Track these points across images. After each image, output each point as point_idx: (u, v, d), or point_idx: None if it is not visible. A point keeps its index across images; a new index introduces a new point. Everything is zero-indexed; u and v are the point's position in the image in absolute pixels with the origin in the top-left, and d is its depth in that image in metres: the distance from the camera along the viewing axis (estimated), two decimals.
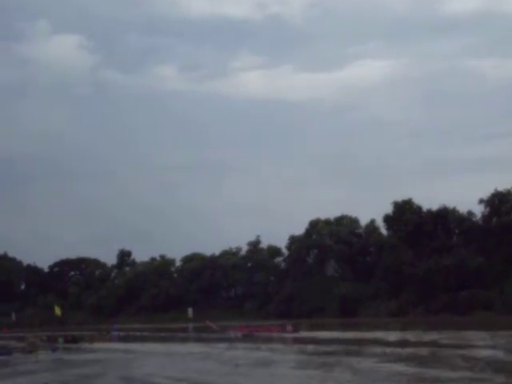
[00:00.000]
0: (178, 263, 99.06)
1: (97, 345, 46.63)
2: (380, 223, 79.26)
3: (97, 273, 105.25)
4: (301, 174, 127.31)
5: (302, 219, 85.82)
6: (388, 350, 32.34)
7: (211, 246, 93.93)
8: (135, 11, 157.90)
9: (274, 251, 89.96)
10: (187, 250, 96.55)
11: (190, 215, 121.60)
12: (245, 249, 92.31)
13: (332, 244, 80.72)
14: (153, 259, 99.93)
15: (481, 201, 70.12)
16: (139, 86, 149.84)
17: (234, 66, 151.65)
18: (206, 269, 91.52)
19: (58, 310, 61.34)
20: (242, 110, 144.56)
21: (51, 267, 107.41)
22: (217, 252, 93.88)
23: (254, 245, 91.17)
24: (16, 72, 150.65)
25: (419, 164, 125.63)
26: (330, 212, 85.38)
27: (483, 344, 33.44)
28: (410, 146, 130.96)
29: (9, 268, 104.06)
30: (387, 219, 75.92)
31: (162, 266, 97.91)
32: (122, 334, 61.46)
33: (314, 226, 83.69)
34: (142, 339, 53.41)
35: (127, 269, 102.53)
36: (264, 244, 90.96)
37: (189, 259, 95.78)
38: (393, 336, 41.79)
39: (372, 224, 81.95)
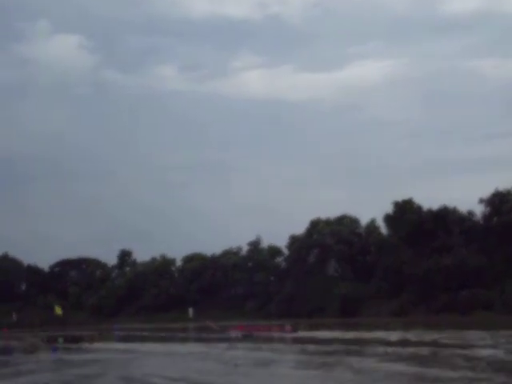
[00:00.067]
0: (178, 263, 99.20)
1: (97, 345, 46.61)
2: (380, 223, 79.47)
3: (97, 273, 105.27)
4: (301, 174, 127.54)
5: (303, 219, 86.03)
6: (388, 349, 32.31)
7: (212, 246, 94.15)
8: (135, 11, 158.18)
9: (274, 251, 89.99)
10: (188, 250, 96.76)
11: (191, 215, 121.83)
12: (245, 248, 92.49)
13: (332, 244, 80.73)
14: (153, 259, 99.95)
15: (481, 200, 70.15)
16: (139, 86, 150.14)
17: (234, 66, 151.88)
18: (207, 269, 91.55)
19: (58, 310, 61.31)
20: (242, 110, 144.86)
21: (52, 267, 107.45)
22: (217, 252, 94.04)
23: (255, 245, 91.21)
24: (16, 72, 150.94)
25: (419, 164, 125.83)
26: (331, 212, 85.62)
27: (484, 344, 33.41)
28: (410, 145, 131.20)
29: (9, 268, 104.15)
30: (387, 219, 75.98)
31: (162, 266, 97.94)
32: (122, 333, 61.46)
33: (315, 225, 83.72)
34: (143, 339, 53.38)
35: (128, 269, 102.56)
36: (264, 244, 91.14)
37: (189, 259, 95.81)
38: (393, 336, 41.75)
39: (372, 224, 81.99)
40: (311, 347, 36.80)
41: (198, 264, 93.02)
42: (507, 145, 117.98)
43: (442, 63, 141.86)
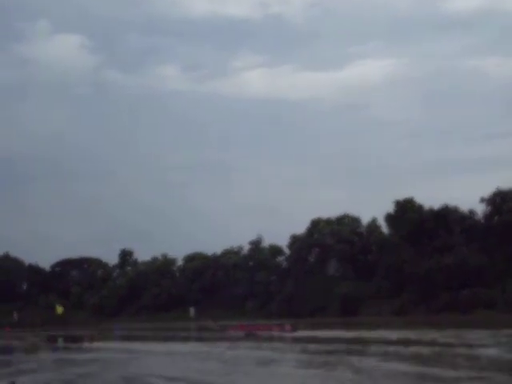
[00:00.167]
0: (179, 262, 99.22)
1: (98, 344, 46.60)
2: (381, 222, 79.45)
3: (99, 272, 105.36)
4: (301, 174, 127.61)
5: (303, 218, 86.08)
6: (389, 348, 32.30)
7: (213, 246, 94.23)
8: (135, 11, 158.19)
9: (275, 250, 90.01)
10: (188, 250, 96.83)
11: (191, 215, 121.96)
12: (246, 248, 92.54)
13: (333, 243, 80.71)
14: (154, 259, 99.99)
15: (482, 199, 70.07)
16: (139, 86, 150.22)
17: (234, 66, 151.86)
18: (208, 268, 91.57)
19: (59, 310, 61.28)
20: (243, 110, 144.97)
21: (53, 267, 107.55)
22: (218, 251, 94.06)
23: (256, 244, 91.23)
24: (16, 72, 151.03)
25: (419, 164, 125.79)
26: (331, 211, 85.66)
27: (485, 343, 33.37)
28: (410, 145, 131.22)
29: (10, 268, 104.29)
30: (388, 218, 75.95)
31: (163, 266, 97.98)
32: (123, 333, 61.47)
33: (316, 225, 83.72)
34: (144, 339, 53.40)
35: (129, 268, 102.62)
36: (265, 243, 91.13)
37: (190, 258, 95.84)
38: (394, 335, 41.74)
39: (373, 223, 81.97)
40: (311, 346, 36.78)
41: (199, 263, 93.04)
42: (507, 144, 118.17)
43: (442, 63, 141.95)
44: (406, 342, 35.33)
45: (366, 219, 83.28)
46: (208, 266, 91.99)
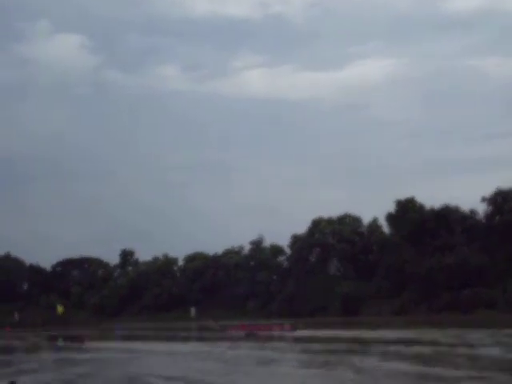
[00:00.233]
0: (180, 262, 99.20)
1: (99, 344, 46.59)
2: (382, 222, 79.45)
3: (99, 272, 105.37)
4: (302, 174, 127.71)
5: (304, 218, 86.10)
6: (390, 348, 32.28)
7: (213, 246, 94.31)
8: (136, 11, 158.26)
9: (276, 250, 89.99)
10: (189, 250, 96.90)
11: (192, 215, 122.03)
12: (247, 248, 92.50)
13: (334, 243, 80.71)
14: (155, 259, 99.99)
15: (483, 199, 70.03)
16: (139, 86, 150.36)
17: (234, 66, 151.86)
18: (209, 268, 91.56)
19: (60, 309, 61.25)
20: (243, 110, 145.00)
21: (54, 267, 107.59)
22: (219, 251, 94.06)
23: (257, 244, 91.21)
24: (16, 72, 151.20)
25: (420, 164, 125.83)
26: (332, 211, 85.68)
27: (486, 342, 33.35)
28: (410, 145, 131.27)
29: (11, 268, 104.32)
30: (390, 218, 75.96)
31: (164, 266, 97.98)
32: (124, 333, 61.48)
33: (317, 224, 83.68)
34: (145, 338, 53.39)
35: (130, 268, 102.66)
36: (266, 243, 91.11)
37: (191, 258, 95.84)
38: (395, 335, 41.71)
39: (374, 223, 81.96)
40: (312, 346, 36.78)
41: (200, 263, 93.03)
42: (508, 144, 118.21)
43: (442, 63, 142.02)
44: (406, 342, 35.29)
45: (366, 219, 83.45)
46: (209, 265, 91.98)
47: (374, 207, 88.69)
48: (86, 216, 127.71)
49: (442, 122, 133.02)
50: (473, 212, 72.67)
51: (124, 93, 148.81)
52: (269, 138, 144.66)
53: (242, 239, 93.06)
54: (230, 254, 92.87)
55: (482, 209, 71.37)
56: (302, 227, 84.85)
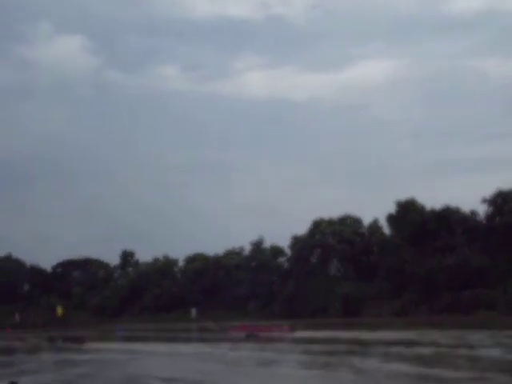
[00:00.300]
0: (180, 263, 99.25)
1: (99, 345, 46.60)
2: (383, 223, 79.45)
3: (100, 273, 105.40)
4: (302, 174, 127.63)
5: (305, 219, 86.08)
6: (391, 349, 32.28)
7: (213, 246, 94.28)
8: (136, 12, 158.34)
9: (277, 251, 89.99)
10: (189, 250, 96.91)
11: (192, 215, 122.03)
12: (248, 249, 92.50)
13: (335, 244, 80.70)
14: (156, 259, 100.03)
15: (484, 200, 70.03)
16: (140, 87, 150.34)
17: (235, 67, 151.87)
18: (209, 269, 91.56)
19: (60, 310, 61.35)
20: (243, 110, 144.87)
21: (54, 268, 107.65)
22: (219, 252, 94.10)
23: (257, 245, 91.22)
24: (17, 73, 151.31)
25: (420, 164, 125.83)
26: (333, 212, 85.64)
27: (486, 343, 33.35)
28: (411, 145, 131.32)
29: (12, 269, 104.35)
30: (390, 219, 75.96)
31: (165, 267, 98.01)
32: (125, 334, 61.49)
33: (318, 225, 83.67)
34: (145, 339, 53.41)
35: (130, 269, 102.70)
36: (267, 244, 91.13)
37: (192, 259, 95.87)
38: (396, 336, 41.71)
39: (375, 224, 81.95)
40: (312, 347, 36.77)
41: (200, 264, 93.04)
42: (508, 145, 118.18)
43: (443, 63, 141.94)
44: (407, 343, 35.30)
45: (367, 219, 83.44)
46: (209, 266, 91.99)
47: (374, 207, 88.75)
48: (86, 216, 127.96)
49: (442, 123, 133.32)
50: (473, 213, 72.68)
51: (124, 93, 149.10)
52: (269, 139, 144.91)
53: (242, 239, 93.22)
54: (231, 254, 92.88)
55: (482, 210, 71.50)
56: (302, 227, 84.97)
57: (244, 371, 25.64)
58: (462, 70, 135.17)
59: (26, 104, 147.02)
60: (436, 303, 65.94)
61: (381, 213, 78.03)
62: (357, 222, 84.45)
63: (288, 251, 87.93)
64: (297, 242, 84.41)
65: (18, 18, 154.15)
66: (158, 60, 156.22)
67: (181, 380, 23.95)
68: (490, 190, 69.88)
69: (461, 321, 54.07)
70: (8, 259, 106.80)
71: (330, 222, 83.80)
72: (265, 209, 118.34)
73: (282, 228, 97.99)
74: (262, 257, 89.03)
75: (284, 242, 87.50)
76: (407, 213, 73.44)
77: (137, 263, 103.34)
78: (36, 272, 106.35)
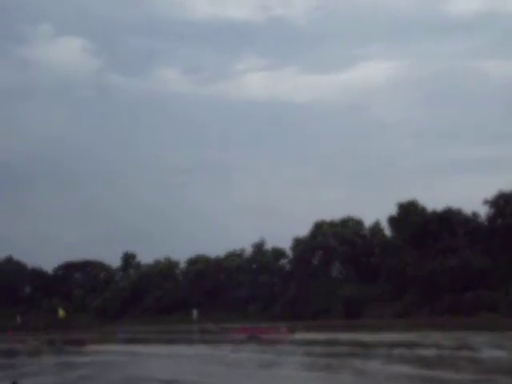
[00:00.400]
0: (182, 265, 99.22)
1: (100, 347, 46.59)
2: (385, 224, 79.35)
3: (101, 275, 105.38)
4: (303, 175, 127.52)
5: (305, 219, 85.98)
6: (392, 351, 32.21)
7: (214, 247, 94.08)
8: (137, 14, 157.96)
9: (278, 253, 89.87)
10: (190, 251, 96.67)
11: (193, 216, 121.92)
12: (249, 250, 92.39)
13: (336, 245, 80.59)
14: (157, 261, 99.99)
15: (485, 202, 69.89)
16: (141, 89, 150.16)
17: (236, 68, 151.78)
18: (211, 271, 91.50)
19: (61, 313, 61.21)
20: (245, 111, 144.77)
21: (56, 270, 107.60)
22: (221, 253, 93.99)
23: (259, 247, 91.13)
24: (18, 75, 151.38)
25: (421, 164, 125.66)
26: (334, 212, 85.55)
27: (488, 345, 33.27)
28: (412, 146, 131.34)
29: (13, 271, 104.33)
30: (392, 220, 75.85)
31: (166, 268, 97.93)
32: (126, 336, 61.46)
33: (319, 227, 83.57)
34: (147, 341, 53.38)
35: (132, 271, 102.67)
36: (268, 246, 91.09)
37: (193, 261, 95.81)
38: (397, 337, 41.63)
39: (377, 225, 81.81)
40: (313, 349, 36.69)
41: (201, 266, 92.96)
42: (509, 145, 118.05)
43: (443, 64, 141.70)
44: (409, 345, 35.24)
45: (368, 220, 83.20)
46: (211, 268, 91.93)
47: (374, 208, 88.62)
48: (86, 217, 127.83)
49: (443, 123, 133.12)
50: (475, 215, 72.53)
51: (125, 95, 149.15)
52: (270, 139, 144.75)
53: (242, 240, 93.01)
54: (232, 256, 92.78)
55: (484, 211, 71.34)
56: (302, 228, 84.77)
57: (245, 373, 25.58)
58: (463, 71, 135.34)
59: (27, 104, 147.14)
60: (438, 305, 65.80)
61: (381, 212, 77.94)
62: (358, 223, 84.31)
63: (289, 253, 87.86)
64: (298, 243, 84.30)
65: (18, 18, 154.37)
66: (159, 62, 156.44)
67: (181, 382, 23.91)
68: (490, 191, 69.77)
69: (462, 323, 53.98)
70: (9, 262, 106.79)
71: (332, 224, 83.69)
72: (265, 209, 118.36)
73: (283, 228, 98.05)
74: (263, 259, 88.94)
75: (285, 243, 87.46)
76: (408, 214, 73.32)
77: (138, 265, 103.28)
78: (37, 274, 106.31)
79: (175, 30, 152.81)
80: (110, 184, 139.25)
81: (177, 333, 63.48)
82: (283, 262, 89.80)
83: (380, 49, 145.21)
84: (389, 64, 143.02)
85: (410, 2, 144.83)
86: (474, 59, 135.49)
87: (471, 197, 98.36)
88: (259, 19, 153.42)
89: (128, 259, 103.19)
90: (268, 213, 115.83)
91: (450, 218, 71.78)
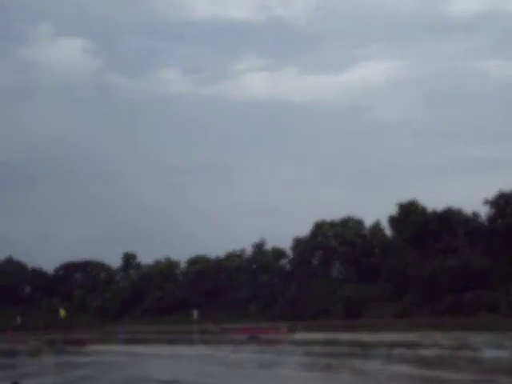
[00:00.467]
0: (182, 265, 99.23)
1: (101, 347, 46.59)
2: (385, 224, 79.37)
3: (102, 275, 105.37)
4: (304, 175, 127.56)
5: (305, 219, 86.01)
6: (393, 351, 32.21)
7: (215, 247, 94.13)
8: (137, 14, 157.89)
9: (278, 253, 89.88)
10: (190, 251, 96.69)
11: (194, 216, 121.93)
12: (249, 251, 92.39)
13: (336, 246, 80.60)
14: (157, 262, 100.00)
15: (486, 202, 69.90)
16: (141, 89, 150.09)
17: (236, 69, 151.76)
18: (211, 271, 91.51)
19: (62, 313, 61.15)
20: (245, 111, 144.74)
21: (56, 270, 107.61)
22: (221, 253, 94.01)
23: (259, 247, 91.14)
24: (19, 75, 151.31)
25: (422, 164, 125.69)
26: (334, 213, 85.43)
27: (488, 345, 33.27)
28: (412, 146, 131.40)
29: (13, 271, 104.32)
30: (392, 220, 75.86)
31: (166, 269, 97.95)
32: (126, 336, 61.47)
33: (320, 227, 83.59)
34: (147, 341, 53.38)
35: (132, 271, 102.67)
36: (268, 246, 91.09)
37: (193, 261, 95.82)
38: (397, 337, 41.63)
39: (377, 225, 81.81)
40: (313, 349, 36.69)
41: (202, 266, 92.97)
42: (509, 146, 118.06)
43: (444, 64, 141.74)
44: (409, 345, 35.24)
45: (368, 220, 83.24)
46: (211, 269, 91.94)
47: (375, 207, 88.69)
48: (86, 217, 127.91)
49: (443, 123, 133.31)
50: (475, 215, 72.54)
51: (125, 95, 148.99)
52: (270, 139, 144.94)
53: (242, 240, 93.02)
54: (232, 257, 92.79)
55: (484, 211, 71.36)
56: (303, 228, 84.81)
57: (245, 373, 25.58)
58: (463, 71, 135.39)
59: (27, 104, 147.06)
60: (438, 305, 65.80)
61: (381, 212, 78.00)
62: (358, 223, 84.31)
63: (290, 253, 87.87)
64: (299, 243, 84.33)
65: (18, 18, 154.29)
66: (159, 62, 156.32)
67: (181, 382, 23.90)
68: (490, 191, 69.82)
69: (463, 323, 53.99)
70: (9, 262, 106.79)
71: (332, 224, 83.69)
72: (265, 209, 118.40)
73: (283, 228, 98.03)
74: (263, 259, 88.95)
75: (285, 243, 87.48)
76: (409, 214, 73.33)
77: (138, 265, 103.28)
78: (37, 274, 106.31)
79: (175, 30, 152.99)
80: (110, 184, 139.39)
81: (177, 333, 63.49)
82: (283, 262, 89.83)
83: (380, 49, 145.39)
84: (389, 64, 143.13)
85: (410, 2, 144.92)
86: (474, 59, 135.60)
87: (471, 197, 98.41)
88: (259, 19, 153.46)
89: (128, 259, 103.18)
90: (268, 213, 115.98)
91: (450, 218, 71.81)
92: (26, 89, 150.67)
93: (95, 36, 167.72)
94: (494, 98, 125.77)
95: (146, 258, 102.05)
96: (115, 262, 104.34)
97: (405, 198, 75.60)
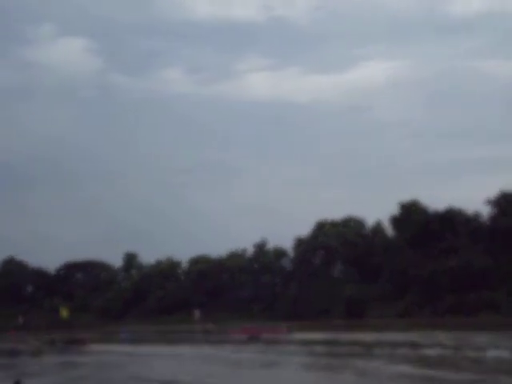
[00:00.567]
0: (183, 265, 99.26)
1: (102, 347, 46.63)
2: (386, 224, 79.38)
3: (103, 275, 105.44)
4: (305, 175, 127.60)
5: (306, 219, 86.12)
6: (394, 351, 32.21)
7: (216, 247, 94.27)
8: (139, 14, 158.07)
9: (280, 253, 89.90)
10: (191, 251, 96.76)
11: (195, 216, 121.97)
12: (251, 250, 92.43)
13: (338, 246, 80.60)
14: (159, 262, 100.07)
15: (488, 201, 69.85)
16: (143, 89, 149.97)
17: (238, 68, 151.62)
18: (213, 271, 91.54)
19: (64, 312, 61.17)
20: (246, 111, 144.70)
21: (58, 270, 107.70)
22: (222, 253, 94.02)
23: (260, 247, 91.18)
24: (20, 75, 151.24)
25: (422, 164, 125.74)
26: (335, 213, 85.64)
27: (490, 345, 33.26)
28: (413, 146, 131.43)
29: (15, 271, 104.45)
30: (393, 220, 75.83)
31: (168, 269, 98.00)
32: (129, 336, 61.49)
33: (321, 227, 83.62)
34: (149, 341, 53.42)
35: (134, 271, 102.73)
36: (270, 245, 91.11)
37: (195, 261, 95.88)
38: (399, 337, 41.63)
39: (378, 225, 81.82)
40: (315, 349, 36.70)
41: (203, 266, 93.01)
42: (509, 145, 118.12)
43: (444, 64, 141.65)
44: (410, 345, 35.24)
45: (369, 220, 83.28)
46: (212, 269, 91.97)
47: (375, 207, 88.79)
48: (87, 217, 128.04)
49: (443, 123, 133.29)
50: (477, 215, 72.49)
51: (127, 95, 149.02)
52: (271, 139, 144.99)
53: (243, 240, 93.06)
54: (234, 256, 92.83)
55: (485, 211, 71.31)
56: (303, 228, 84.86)
57: (246, 373, 25.60)
58: (463, 71, 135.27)
59: (27, 104, 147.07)
60: (439, 305, 65.76)
61: (382, 212, 78.02)
62: (360, 223, 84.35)
63: (291, 253, 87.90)
64: (300, 243, 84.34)
65: (19, 19, 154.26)
66: (161, 62, 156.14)
67: (182, 382, 23.92)
68: (490, 191, 69.89)
69: (464, 323, 53.98)
70: (10, 262, 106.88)
71: (333, 224, 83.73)
72: (266, 209, 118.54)
73: (284, 228, 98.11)
74: (264, 259, 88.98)
75: (286, 242, 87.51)
76: (410, 214, 73.30)
77: (140, 265, 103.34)
78: (39, 274, 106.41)
79: (177, 30, 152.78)
80: (111, 184, 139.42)
81: (178, 333, 63.51)
82: (285, 261, 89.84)
83: (380, 49, 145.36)
84: (389, 64, 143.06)
85: (410, 2, 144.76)
86: (474, 59, 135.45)
87: (472, 197, 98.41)
88: (261, 19, 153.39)
89: (129, 259, 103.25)
90: (269, 213, 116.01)
91: (451, 218, 71.75)
92: (26, 89, 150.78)
93: (97, 36, 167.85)
94: (494, 98, 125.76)
95: (147, 257, 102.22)
96: (116, 261, 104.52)
97: (405, 197, 75.79)
